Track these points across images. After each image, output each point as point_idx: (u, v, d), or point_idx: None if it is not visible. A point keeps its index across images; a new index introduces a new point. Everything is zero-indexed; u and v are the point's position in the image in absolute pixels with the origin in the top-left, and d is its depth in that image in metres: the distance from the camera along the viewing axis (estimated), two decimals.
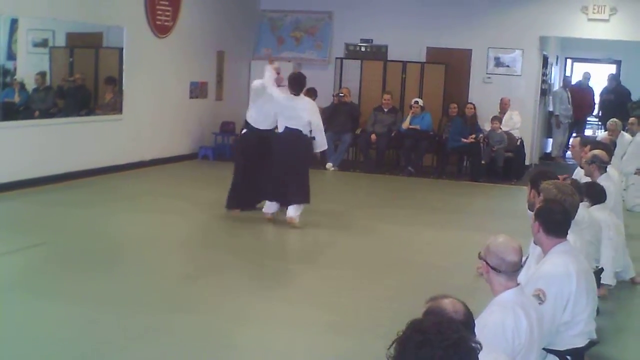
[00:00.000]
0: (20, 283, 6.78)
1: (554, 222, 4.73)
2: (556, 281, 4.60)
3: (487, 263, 3.94)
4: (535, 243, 4.94)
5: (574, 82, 19.05)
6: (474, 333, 3.06)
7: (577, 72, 21.72)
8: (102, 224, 9.10)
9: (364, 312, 6.45)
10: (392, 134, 14.67)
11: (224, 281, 7.23)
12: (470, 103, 14.74)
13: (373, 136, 14.60)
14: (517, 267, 3.94)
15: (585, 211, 6.07)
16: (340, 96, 14.94)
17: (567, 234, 4.79)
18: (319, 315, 6.26)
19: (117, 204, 10.32)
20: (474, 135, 14.16)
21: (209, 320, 6.03)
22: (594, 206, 7.04)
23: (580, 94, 18.03)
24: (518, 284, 3.97)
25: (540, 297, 4.51)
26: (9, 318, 5.90)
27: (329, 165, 14.38)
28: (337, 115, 14.74)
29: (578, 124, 18.26)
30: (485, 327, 3.60)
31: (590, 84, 18.66)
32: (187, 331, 5.70)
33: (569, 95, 17.62)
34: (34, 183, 10.66)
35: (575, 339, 4.69)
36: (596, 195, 7.12)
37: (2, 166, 10.25)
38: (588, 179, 7.79)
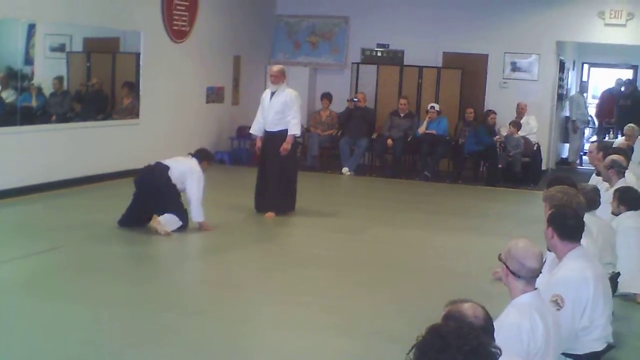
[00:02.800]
0: (36, 286, 6.80)
1: (568, 227, 4.72)
2: (573, 286, 4.58)
3: (507, 267, 3.94)
4: (548, 249, 4.91)
5: (604, 88, 18.86)
6: (494, 338, 3.05)
7: (593, 77, 21.57)
8: (119, 228, 9.11)
9: (378, 316, 6.42)
10: (409, 139, 14.65)
11: (235, 284, 7.23)
12: (493, 112, 14.52)
13: (389, 141, 14.57)
14: (537, 273, 3.95)
15: (591, 217, 5.96)
16: (355, 101, 14.92)
17: (581, 238, 4.77)
18: (331, 318, 6.24)
19: None
20: (498, 137, 14.25)
21: (220, 323, 6.04)
22: (627, 212, 6.94)
23: (611, 100, 17.87)
24: (536, 289, 3.97)
25: (558, 302, 4.49)
26: (25, 321, 5.92)
27: (345, 169, 14.38)
28: (352, 120, 14.74)
29: (603, 131, 18.15)
30: (501, 329, 3.59)
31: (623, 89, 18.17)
32: (198, 334, 5.71)
33: (586, 100, 17.52)
34: (51, 187, 10.71)
35: (594, 343, 4.68)
36: (632, 201, 7.00)
37: (18, 170, 10.29)
38: (606, 185, 7.74)
